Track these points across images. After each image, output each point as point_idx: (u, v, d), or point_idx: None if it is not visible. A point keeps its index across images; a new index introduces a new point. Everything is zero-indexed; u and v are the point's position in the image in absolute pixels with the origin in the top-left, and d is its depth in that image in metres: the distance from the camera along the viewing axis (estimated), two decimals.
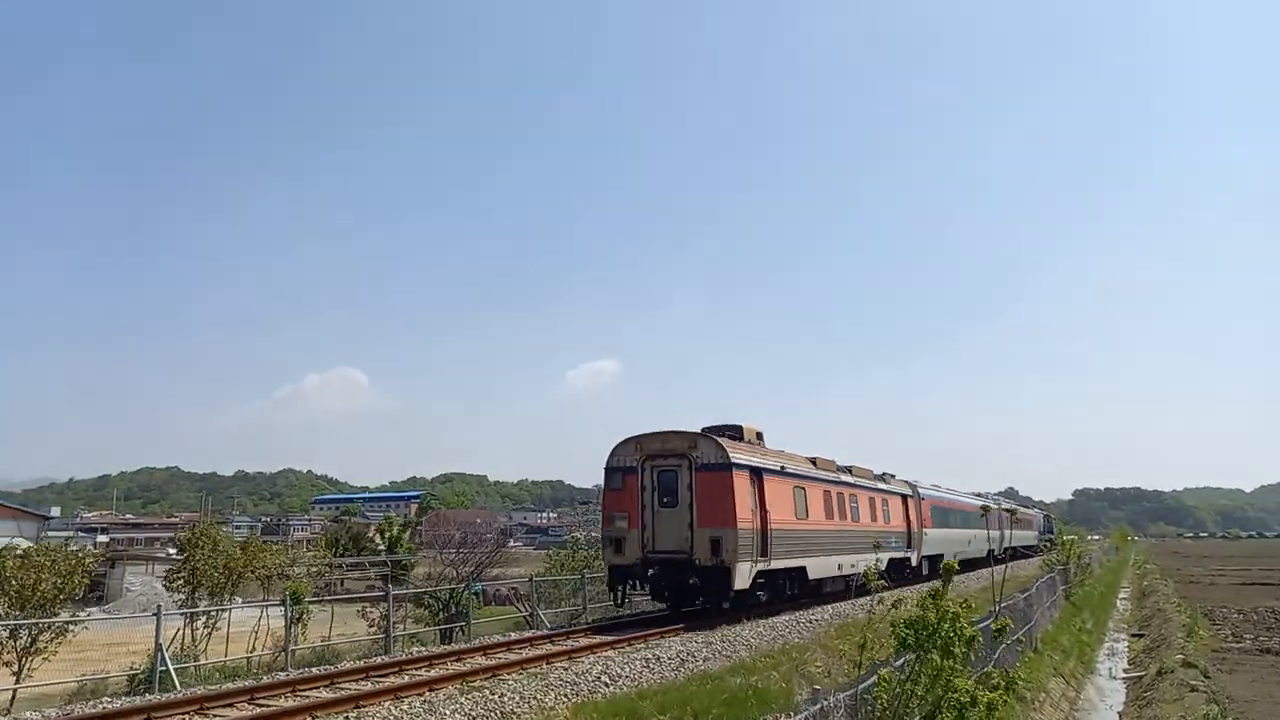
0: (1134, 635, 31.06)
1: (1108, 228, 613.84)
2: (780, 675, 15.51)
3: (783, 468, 23.97)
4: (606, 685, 14.28)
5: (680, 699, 12.84)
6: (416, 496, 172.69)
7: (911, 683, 9.12)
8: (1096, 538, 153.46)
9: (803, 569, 24.23)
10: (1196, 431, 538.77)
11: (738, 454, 21.71)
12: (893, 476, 34.59)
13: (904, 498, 33.96)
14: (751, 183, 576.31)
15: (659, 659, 16.40)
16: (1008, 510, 43.21)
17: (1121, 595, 47.08)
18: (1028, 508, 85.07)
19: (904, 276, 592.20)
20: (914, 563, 33.94)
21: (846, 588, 25.59)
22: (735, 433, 23.45)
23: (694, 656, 17.04)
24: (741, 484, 21.22)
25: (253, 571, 24.23)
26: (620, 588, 22.42)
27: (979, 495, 54.90)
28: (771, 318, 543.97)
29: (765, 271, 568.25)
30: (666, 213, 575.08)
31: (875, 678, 8.80)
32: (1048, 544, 79.45)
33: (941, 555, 30.48)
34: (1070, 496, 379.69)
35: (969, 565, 36.53)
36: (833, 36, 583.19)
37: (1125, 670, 25.32)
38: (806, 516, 24.62)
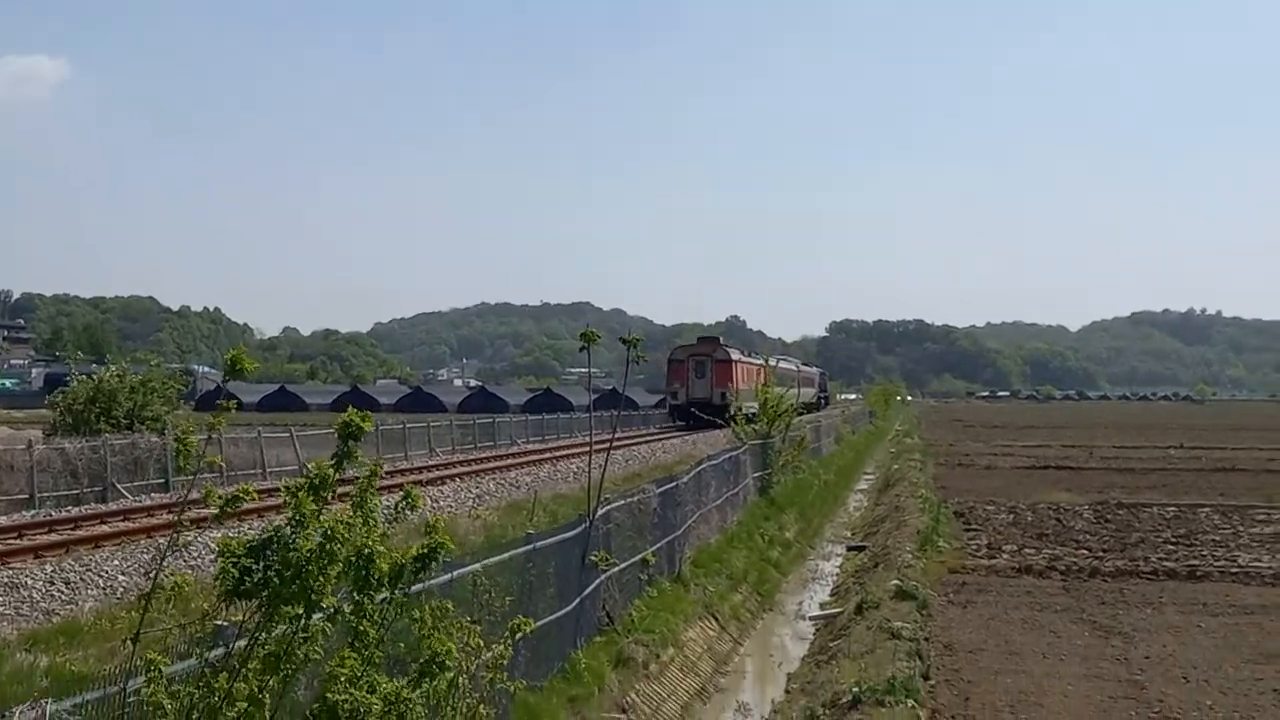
0: (853, 548, 25.55)
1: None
2: None
3: (740, 358, 48.83)
4: None
5: None
6: None
7: (232, 674, 3.87)
8: (853, 396, 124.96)
9: (741, 406, 41.69)
10: (1011, 253, 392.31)
11: (732, 353, 48.46)
12: (758, 354, 57.19)
13: (760, 367, 54.27)
14: None
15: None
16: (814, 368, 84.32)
17: (862, 485, 37.86)
18: (809, 365, 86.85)
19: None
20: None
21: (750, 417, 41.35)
22: (716, 340, 51.19)
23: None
24: (732, 368, 46.27)
25: None
26: (676, 416, 46.87)
27: (794, 362, 75.60)
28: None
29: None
30: None
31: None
32: (823, 401, 77.18)
33: None
34: (824, 333, 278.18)
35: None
36: None
37: (824, 604, 18.47)
38: (746, 381, 45.58)
